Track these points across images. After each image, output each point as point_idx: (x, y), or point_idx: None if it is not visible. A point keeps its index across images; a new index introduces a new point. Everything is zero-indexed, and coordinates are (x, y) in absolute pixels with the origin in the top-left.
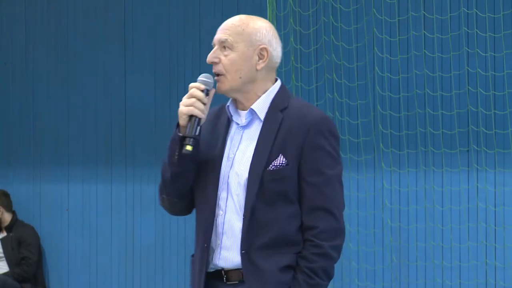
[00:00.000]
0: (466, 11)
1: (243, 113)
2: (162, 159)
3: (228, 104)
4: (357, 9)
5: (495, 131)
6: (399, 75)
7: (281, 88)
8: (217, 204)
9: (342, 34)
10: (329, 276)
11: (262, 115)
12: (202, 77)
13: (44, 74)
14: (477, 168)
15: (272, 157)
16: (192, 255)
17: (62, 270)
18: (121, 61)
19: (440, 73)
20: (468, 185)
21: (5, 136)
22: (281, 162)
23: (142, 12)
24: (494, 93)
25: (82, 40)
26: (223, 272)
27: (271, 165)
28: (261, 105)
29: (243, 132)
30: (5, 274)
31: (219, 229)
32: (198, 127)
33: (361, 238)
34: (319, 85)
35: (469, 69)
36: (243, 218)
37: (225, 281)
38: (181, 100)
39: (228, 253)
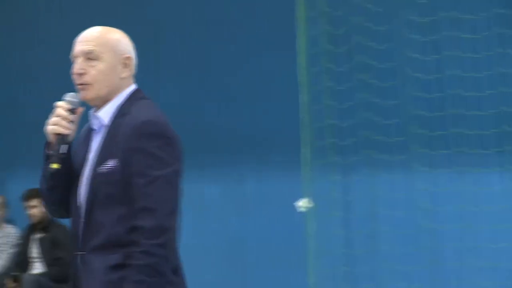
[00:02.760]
0: (498, 11)
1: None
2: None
3: (91, 111)
4: (388, 9)
5: None
6: (431, 76)
7: (133, 93)
8: (79, 209)
9: (372, 34)
10: (158, 272)
11: (106, 120)
12: (67, 97)
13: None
14: (510, 169)
15: (104, 161)
16: None
17: None
18: None
19: (473, 73)
20: (502, 186)
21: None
22: (110, 165)
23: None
24: None
25: None
26: None
27: (100, 169)
28: (107, 110)
29: (96, 136)
30: (41, 274)
31: (79, 233)
32: (65, 145)
33: (395, 239)
34: (350, 85)
35: (501, 69)
36: (82, 221)
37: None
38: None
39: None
